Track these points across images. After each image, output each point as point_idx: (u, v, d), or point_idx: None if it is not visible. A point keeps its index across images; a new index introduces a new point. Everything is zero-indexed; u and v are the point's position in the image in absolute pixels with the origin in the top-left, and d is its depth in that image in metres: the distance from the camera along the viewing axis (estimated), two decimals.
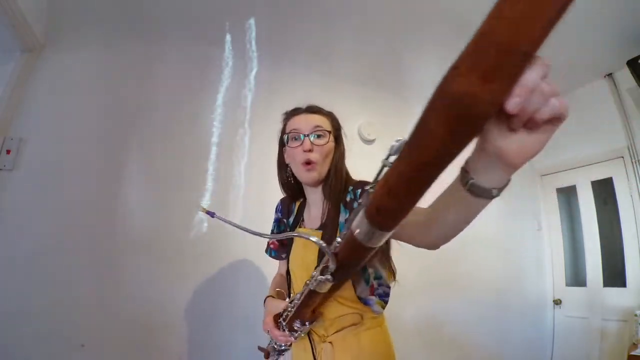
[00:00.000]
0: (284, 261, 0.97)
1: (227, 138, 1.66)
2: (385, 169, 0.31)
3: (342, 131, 0.90)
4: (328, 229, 0.79)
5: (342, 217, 0.81)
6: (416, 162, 0.28)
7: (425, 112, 0.26)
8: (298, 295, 0.65)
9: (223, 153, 1.63)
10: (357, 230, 0.38)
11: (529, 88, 0.24)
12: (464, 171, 0.35)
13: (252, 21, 1.73)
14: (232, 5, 1.65)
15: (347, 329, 0.77)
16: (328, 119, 0.87)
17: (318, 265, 0.55)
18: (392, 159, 0.30)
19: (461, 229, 0.46)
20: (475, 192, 0.34)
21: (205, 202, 1.54)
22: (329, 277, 0.49)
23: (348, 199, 0.81)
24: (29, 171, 1.29)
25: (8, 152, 1.26)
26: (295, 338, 0.74)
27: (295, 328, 0.71)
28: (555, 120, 0.28)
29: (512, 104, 0.24)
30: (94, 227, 1.36)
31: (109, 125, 1.46)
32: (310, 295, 0.59)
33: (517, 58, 0.22)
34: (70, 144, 1.38)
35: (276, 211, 0.99)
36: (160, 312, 1.38)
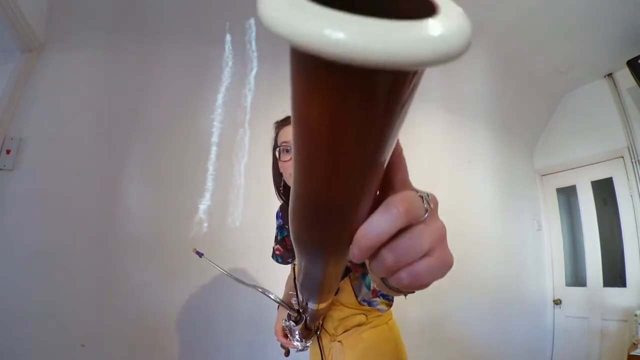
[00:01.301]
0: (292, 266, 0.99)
1: (227, 138, 1.65)
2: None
3: None
4: None
5: None
6: (304, 270, 0.33)
7: None
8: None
9: (223, 153, 1.63)
10: (306, 299, 0.49)
11: (365, 248, 0.20)
12: None
13: (252, 21, 1.73)
14: (232, 5, 1.65)
15: (354, 329, 0.81)
16: None
17: None
18: None
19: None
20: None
21: (206, 202, 1.54)
22: (292, 323, 0.63)
23: None
24: (29, 171, 1.29)
25: (8, 152, 1.26)
26: (302, 346, 0.79)
27: (296, 342, 0.78)
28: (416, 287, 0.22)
29: (351, 255, 0.21)
30: (94, 227, 1.36)
31: (109, 125, 1.46)
32: (290, 329, 0.71)
33: (321, 210, 0.20)
34: (70, 144, 1.38)
35: (277, 217, 0.99)
36: (160, 312, 1.38)
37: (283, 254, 0.98)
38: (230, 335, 1.47)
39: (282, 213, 0.98)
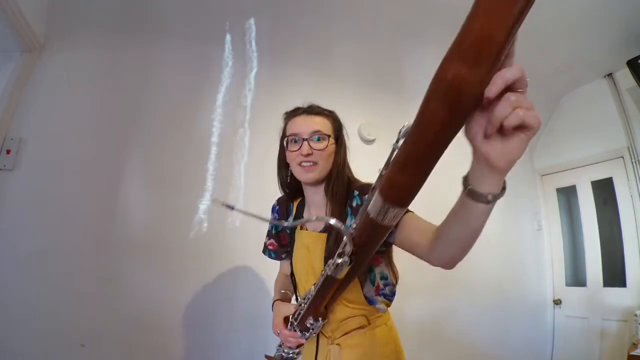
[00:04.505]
0: (287, 261, 0.96)
1: (227, 138, 1.65)
2: (396, 152, 0.37)
3: (344, 131, 0.88)
4: (333, 232, 0.77)
5: (349, 221, 0.80)
6: (422, 141, 0.33)
7: (426, 97, 0.31)
8: (312, 290, 0.67)
9: (223, 153, 1.63)
10: (373, 210, 0.42)
11: (505, 80, 0.28)
12: (465, 180, 0.41)
13: (252, 21, 1.73)
14: (232, 5, 1.65)
15: (354, 331, 0.78)
16: (329, 120, 0.85)
17: (325, 262, 0.63)
18: (401, 142, 0.36)
19: (464, 242, 0.50)
20: (472, 197, 0.40)
21: (206, 202, 1.54)
22: (346, 259, 0.51)
23: (355, 204, 0.80)
24: (29, 171, 1.29)
25: (8, 152, 1.26)
26: (307, 338, 0.74)
27: (308, 326, 0.71)
28: (525, 129, 0.32)
29: (490, 91, 0.29)
30: (94, 227, 1.36)
31: (109, 125, 1.46)
32: (327, 283, 0.59)
33: (493, 46, 0.27)
34: (70, 144, 1.38)
35: (272, 212, 0.96)
36: (160, 312, 1.38)
37: (277, 249, 0.95)
38: (230, 335, 1.47)
39: (280, 207, 0.94)
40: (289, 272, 0.94)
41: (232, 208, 0.62)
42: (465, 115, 0.31)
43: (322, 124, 0.82)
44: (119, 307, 1.32)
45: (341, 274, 0.54)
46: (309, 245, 0.82)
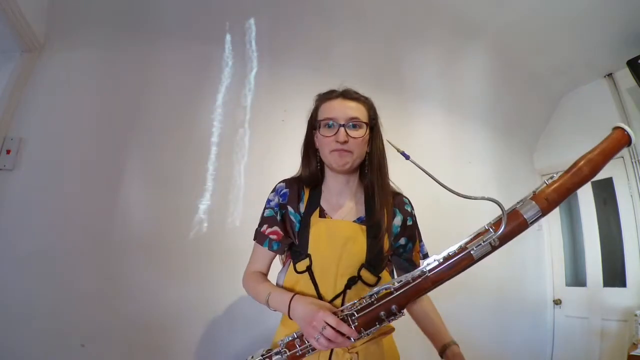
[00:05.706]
0: (270, 256, 0.86)
1: (227, 138, 1.65)
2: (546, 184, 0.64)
3: (379, 120, 0.84)
4: (380, 223, 0.74)
5: (398, 221, 0.80)
6: (571, 181, 0.62)
7: (580, 166, 0.65)
8: (407, 277, 0.63)
9: (223, 153, 1.63)
10: (528, 213, 0.60)
11: None
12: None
13: (252, 21, 1.73)
14: (232, 5, 1.65)
15: (379, 337, 0.74)
16: (365, 106, 0.81)
17: (369, 257, 0.73)
18: (550, 180, 0.64)
19: None
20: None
21: (206, 202, 1.54)
22: (496, 240, 0.62)
23: (410, 209, 0.83)
24: (29, 171, 1.29)
25: (8, 152, 1.26)
26: (355, 339, 0.62)
27: (381, 317, 0.61)
28: None
29: None
30: (94, 227, 1.36)
31: (109, 125, 1.46)
32: (459, 263, 0.65)
33: (603, 165, 0.65)
34: (70, 144, 1.38)
35: (277, 194, 0.84)
36: (160, 312, 1.38)
37: (282, 239, 0.80)
38: (230, 335, 1.47)
39: (290, 190, 0.82)
40: (265, 269, 0.86)
41: (407, 157, 0.67)
42: (593, 176, 0.64)
43: (358, 111, 0.78)
44: (119, 307, 1.32)
45: (479, 255, 0.62)
46: (350, 237, 0.74)
